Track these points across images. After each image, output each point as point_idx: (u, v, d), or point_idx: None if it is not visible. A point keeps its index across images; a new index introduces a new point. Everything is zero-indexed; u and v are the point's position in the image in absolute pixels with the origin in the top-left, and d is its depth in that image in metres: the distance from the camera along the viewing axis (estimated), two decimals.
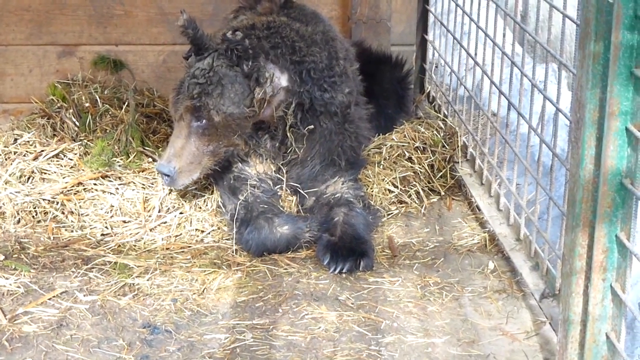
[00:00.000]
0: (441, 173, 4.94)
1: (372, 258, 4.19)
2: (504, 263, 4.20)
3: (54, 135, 5.09)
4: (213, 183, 4.59)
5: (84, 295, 3.93)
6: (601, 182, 2.94)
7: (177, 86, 4.40)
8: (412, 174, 4.85)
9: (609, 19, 2.87)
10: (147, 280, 4.04)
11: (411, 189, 4.82)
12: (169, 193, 4.57)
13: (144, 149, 4.96)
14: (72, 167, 4.82)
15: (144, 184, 4.66)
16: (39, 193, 4.59)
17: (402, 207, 4.75)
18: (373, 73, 5.14)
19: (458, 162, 5.06)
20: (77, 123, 5.15)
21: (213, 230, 4.47)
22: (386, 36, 5.66)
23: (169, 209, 4.55)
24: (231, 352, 3.53)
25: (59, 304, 3.87)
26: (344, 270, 4.11)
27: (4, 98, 5.61)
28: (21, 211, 4.54)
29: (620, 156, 2.89)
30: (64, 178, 4.71)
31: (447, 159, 4.98)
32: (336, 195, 4.51)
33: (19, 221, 4.53)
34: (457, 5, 5.43)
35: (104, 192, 4.63)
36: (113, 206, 4.55)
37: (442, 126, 5.18)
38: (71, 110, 5.22)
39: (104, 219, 4.51)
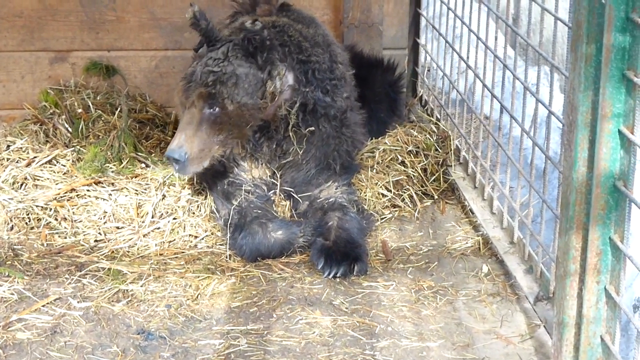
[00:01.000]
0: (434, 177, 4.94)
1: (366, 262, 4.19)
2: (497, 266, 4.20)
3: (47, 141, 5.08)
4: (207, 188, 4.58)
5: (78, 302, 3.91)
6: (594, 184, 2.94)
7: (187, 75, 4.36)
8: (405, 177, 4.85)
9: (601, 21, 2.87)
10: (141, 286, 4.03)
11: (404, 192, 4.81)
12: (163, 199, 4.56)
13: (137, 154, 4.95)
14: (65, 174, 4.80)
15: (137, 190, 4.65)
16: (32, 199, 4.58)
17: (396, 211, 4.75)
18: (365, 77, 5.13)
19: (451, 166, 5.06)
20: (70, 129, 5.14)
21: (207, 235, 4.47)
22: (378, 40, 5.66)
23: (162, 214, 4.53)
24: (225, 358, 3.52)
25: (53, 310, 3.86)
26: (338, 275, 4.11)
27: None
28: (14, 218, 4.52)
29: (613, 158, 2.90)
30: (57, 184, 4.69)
31: (440, 163, 4.98)
32: (330, 200, 4.51)
33: (12, 228, 4.52)
34: (448, 8, 5.44)
35: (97, 198, 4.61)
36: (106, 212, 4.54)
37: (435, 130, 5.18)
38: (64, 117, 5.20)
39: (97, 225, 4.50)
